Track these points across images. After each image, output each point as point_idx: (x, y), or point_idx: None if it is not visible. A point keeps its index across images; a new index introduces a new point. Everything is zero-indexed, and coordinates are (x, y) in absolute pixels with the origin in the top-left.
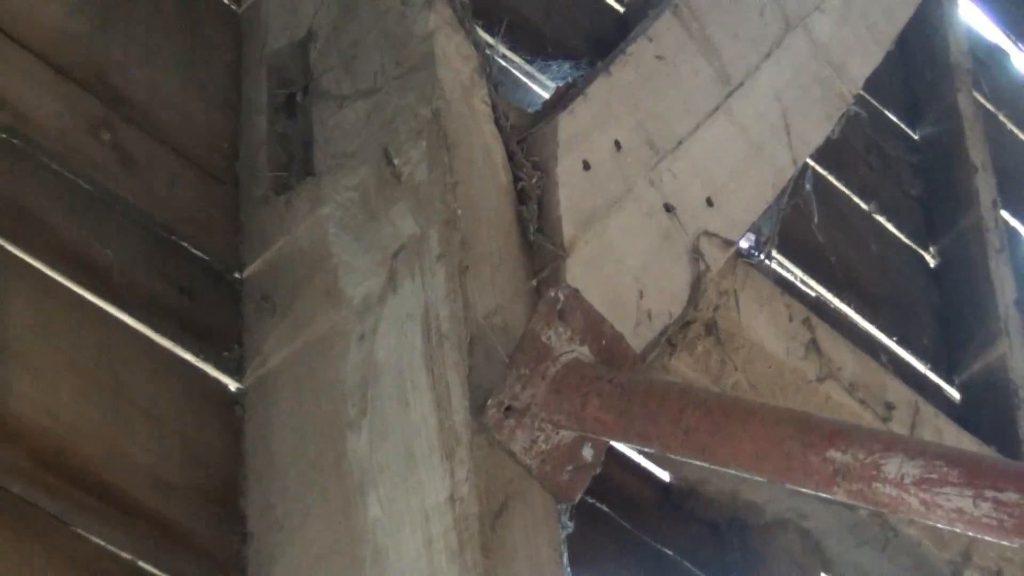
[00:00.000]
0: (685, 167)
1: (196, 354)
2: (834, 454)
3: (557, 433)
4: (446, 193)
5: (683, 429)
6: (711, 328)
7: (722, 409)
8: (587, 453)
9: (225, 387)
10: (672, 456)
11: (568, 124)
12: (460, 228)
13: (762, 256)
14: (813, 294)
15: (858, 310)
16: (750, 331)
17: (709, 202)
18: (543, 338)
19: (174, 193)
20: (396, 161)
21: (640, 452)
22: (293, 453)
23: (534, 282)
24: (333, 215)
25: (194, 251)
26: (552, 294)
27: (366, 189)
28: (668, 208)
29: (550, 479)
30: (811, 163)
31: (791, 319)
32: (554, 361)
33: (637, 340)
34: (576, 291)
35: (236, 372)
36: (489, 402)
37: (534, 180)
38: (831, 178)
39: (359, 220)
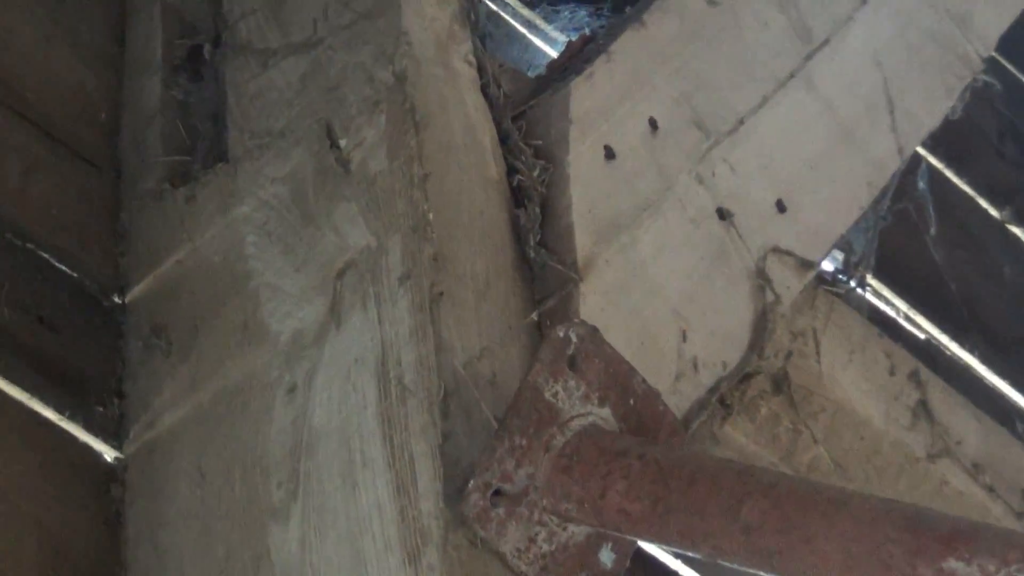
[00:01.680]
0: (747, 157)
1: (59, 411)
2: (954, 565)
3: (565, 529)
4: (413, 189)
5: (742, 526)
6: (781, 383)
7: (796, 499)
8: (606, 557)
9: (99, 457)
10: (726, 563)
11: (585, 95)
12: (432, 239)
13: (854, 283)
14: (923, 337)
15: (985, 360)
16: (835, 388)
17: (780, 206)
18: (547, 395)
19: (29, 183)
20: (343, 143)
21: (680, 557)
22: (193, 552)
23: (535, 315)
24: (253, 217)
25: (57, 265)
26: (560, 334)
27: (300, 182)
28: (723, 214)
29: None
30: (923, 153)
31: (893, 372)
32: (562, 428)
33: (678, 399)
34: (594, 329)
35: (114, 436)
36: (471, 484)
37: (536, 173)
38: (950, 174)
39: (290, 225)
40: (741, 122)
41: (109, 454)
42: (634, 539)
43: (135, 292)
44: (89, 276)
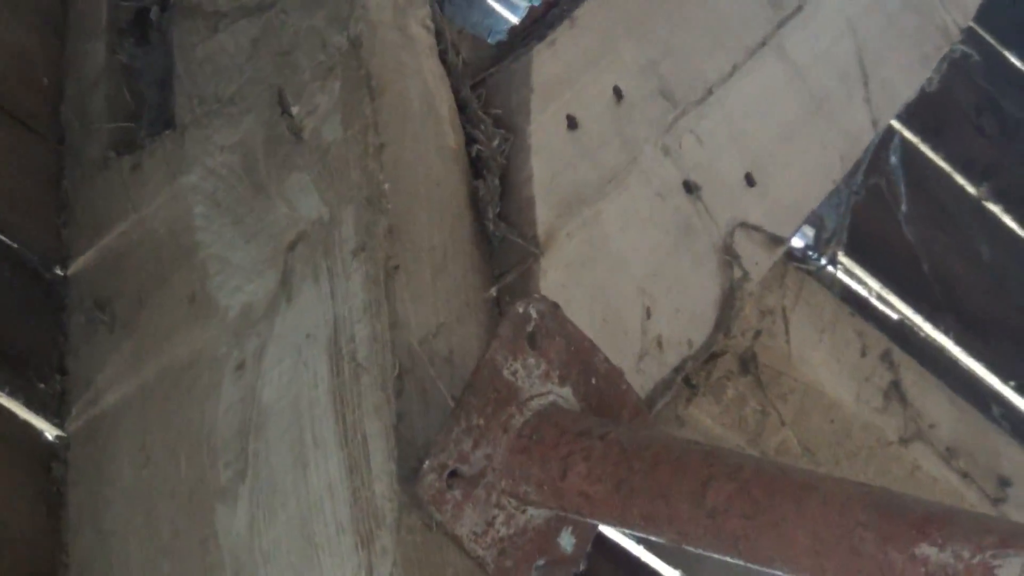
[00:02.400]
0: (715, 128)
1: None
2: (927, 550)
3: (524, 512)
4: (367, 159)
5: (707, 510)
6: (748, 363)
7: (763, 482)
8: (566, 542)
9: (40, 435)
10: (691, 548)
11: (547, 62)
12: (387, 211)
13: (825, 261)
14: (897, 317)
15: (960, 341)
16: (805, 369)
17: (749, 180)
18: (506, 373)
19: None
20: (295, 110)
21: (643, 542)
22: (137, 534)
23: (494, 291)
24: (201, 187)
25: None
26: (520, 310)
27: (250, 150)
28: (689, 188)
29: None
30: (897, 127)
31: (864, 352)
32: (521, 407)
33: (642, 378)
34: (555, 306)
35: (56, 414)
36: (426, 465)
37: (496, 143)
38: (926, 149)
39: (239, 195)
40: (710, 92)
41: (50, 432)
42: (595, 523)
43: (78, 264)
44: (29, 247)
